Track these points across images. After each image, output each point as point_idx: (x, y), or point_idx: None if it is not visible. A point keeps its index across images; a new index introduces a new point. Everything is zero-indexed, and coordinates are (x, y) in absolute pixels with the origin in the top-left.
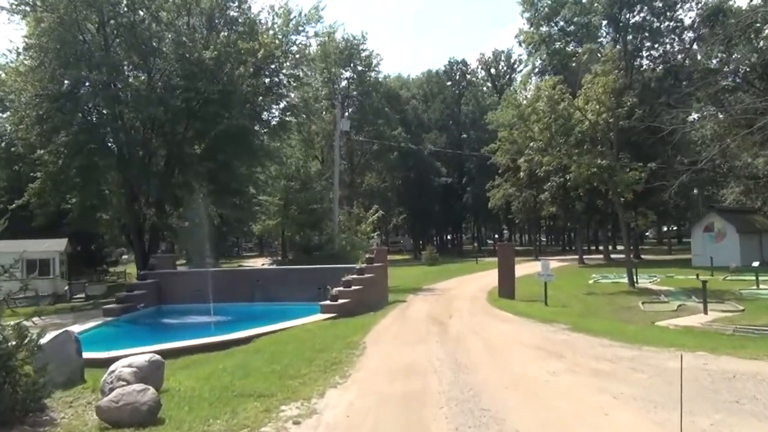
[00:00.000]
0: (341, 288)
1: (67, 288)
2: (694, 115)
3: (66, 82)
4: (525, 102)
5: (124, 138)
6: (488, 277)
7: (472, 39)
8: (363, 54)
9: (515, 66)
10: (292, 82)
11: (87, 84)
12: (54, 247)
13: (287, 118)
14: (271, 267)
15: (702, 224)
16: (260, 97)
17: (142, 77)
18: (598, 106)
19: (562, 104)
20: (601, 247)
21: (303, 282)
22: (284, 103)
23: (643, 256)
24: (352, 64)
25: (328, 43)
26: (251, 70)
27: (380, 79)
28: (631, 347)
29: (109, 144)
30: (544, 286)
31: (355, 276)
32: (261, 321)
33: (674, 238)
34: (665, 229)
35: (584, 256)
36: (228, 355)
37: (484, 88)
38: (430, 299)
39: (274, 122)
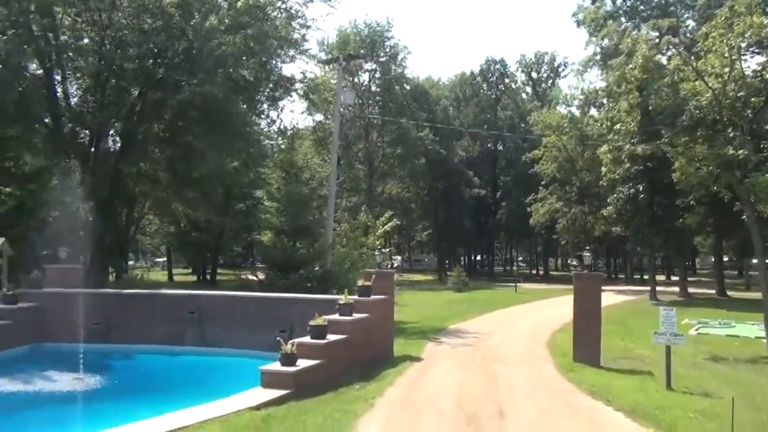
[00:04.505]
0: (306, 339)
1: None
2: None
3: None
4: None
5: (64, 107)
6: (538, 313)
7: (510, 41)
8: (387, 43)
9: (559, 69)
10: (285, 48)
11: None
12: None
13: (277, 95)
14: (214, 293)
15: None
16: (239, 60)
17: (86, 29)
18: (726, 70)
19: (673, 63)
20: (650, 276)
21: (261, 319)
22: (275, 74)
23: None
24: (374, 55)
25: (348, 30)
26: (226, 21)
27: (407, 74)
28: None
29: (40, 119)
30: (665, 353)
31: (334, 317)
32: (165, 393)
33: None
34: None
35: (640, 288)
36: None
37: (524, 94)
38: (461, 357)
39: (262, 100)
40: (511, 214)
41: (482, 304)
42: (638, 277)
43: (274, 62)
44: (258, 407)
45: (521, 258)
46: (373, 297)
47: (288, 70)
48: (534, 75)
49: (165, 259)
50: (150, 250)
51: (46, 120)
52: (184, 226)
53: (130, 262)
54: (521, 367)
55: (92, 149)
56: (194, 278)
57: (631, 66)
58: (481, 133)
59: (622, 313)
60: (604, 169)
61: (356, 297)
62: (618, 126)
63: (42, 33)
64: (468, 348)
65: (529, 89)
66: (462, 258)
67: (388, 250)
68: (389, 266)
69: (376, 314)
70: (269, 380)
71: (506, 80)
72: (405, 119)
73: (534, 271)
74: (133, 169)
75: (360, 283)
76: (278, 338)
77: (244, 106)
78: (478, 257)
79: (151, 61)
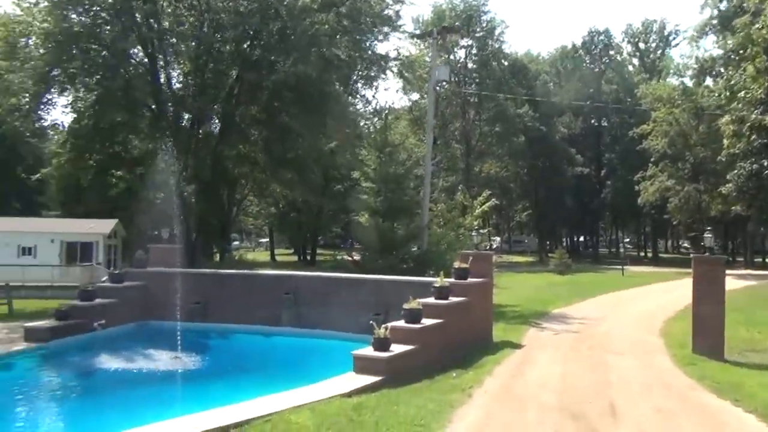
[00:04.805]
0: (400, 323)
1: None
2: None
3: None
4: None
5: (167, 92)
6: (649, 299)
7: (614, 10)
8: (484, 18)
9: (669, 38)
10: (379, 25)
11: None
12: (98, 229)
13: (372, 73)
14: (309, 274)
15: None
16: (332, 38)
17: (185, 14)
18: None
19: None
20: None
21: (356, 301)
22: (369, 52)
23: None
24: (470, 30)
25: (443, 5)
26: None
27: (504, 50)
28: None
29: (145, 104)
30: None
31: (430, 301)
32: (258, 374)
33: None
34: None
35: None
36: None
37: (630, 66)
38: (565, 344)
39: (357, 79)
40: (617, 192)
41: (587, 288)
42: (760, 260)
43: (367, 40)
44: (349, 394)
45: (627, 239)
46: (470, 280)
47: (382, 48)
48: (641, 45)
49: (268, 239)
50: (254, 230)
51: (151, 105)
52: (282, 206)
53: (236, 243)
54: (633, 359)
55: (193, 132)
56: (295, 258)
57: (757, 26)
58: (584, 108)
59: (744, 300)
60: (726, 141)
61: (453, 279)
62: (741, 94)
63: (145, 20)
64: (573, 335)
65: (636, 61)
66: (564, 239)
67: (486, 230)
68: (487, 247)
69: (473, 298)
70: (362, 365)
71: (611, 52)
72: (503, 96)
73: (642, 254)
74: (232, 151)
75: (457, 264)
76: (371, 322)
77: (339, 85)
78: (581, 238)
79: (247, 43)
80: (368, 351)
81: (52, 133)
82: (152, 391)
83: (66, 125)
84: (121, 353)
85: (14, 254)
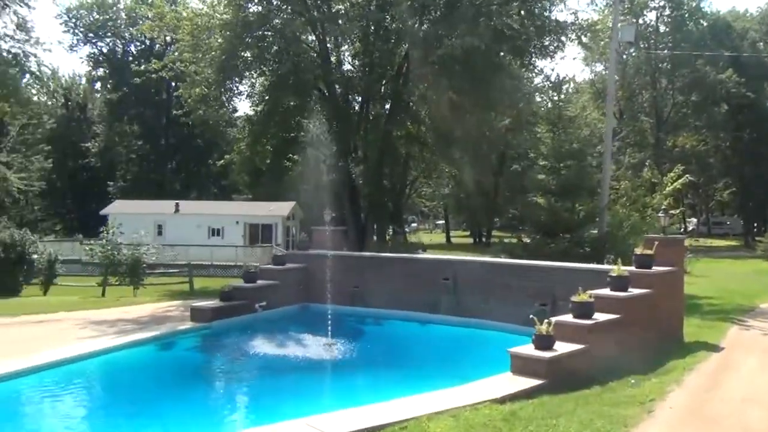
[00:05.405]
0: (567, 318)
1: None
2: None
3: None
4: None
5: (336, 74)
6: None
7: None
8: None
9: None
10: None
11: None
12: (277, 211)
13: (547, 43)
14: (470, 259)
15: None
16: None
17: None
18: None
19: None
20: None
21: (519, 289)
22: (544, 19)
23: None
24: None
25: None
26: None
27: (702, 7)
28: None
29: (315, 87)
30: None
31: (604, 292)
32: (409, 367)
33: None
34: None
35: None
36: None
37: None
38: None
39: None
40: None
41: None
42: None
43: (541, 6)
44: (502, 400)
45: None
46: (655, 269)
47: (558, 15)
48: None
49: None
50: (431, 212)
51: (320, 88)
52: (452, 187)
53: (414, 225)
54: None
55: (362, 114)
56: (471, 240)
57: None
58: None
59: None
60: None
61: (633, 268)
62: None
63: (314, 2)
64: None
65: None
66: None
67: (678, 211)
68: (681, 230)
69: (659, 290)
70: (519, 366)
71: None
72: (701, 60)
73: None
74: (401, 131)
75: (638, 251)
76: (531, 316)
77: (511, 58)
78: None
79: (414, 18)
80: (528, 349)
81: (236, 120)
82: (293, 381)
83: (246, 112)
84: (275, 337)
85: (205, 235)
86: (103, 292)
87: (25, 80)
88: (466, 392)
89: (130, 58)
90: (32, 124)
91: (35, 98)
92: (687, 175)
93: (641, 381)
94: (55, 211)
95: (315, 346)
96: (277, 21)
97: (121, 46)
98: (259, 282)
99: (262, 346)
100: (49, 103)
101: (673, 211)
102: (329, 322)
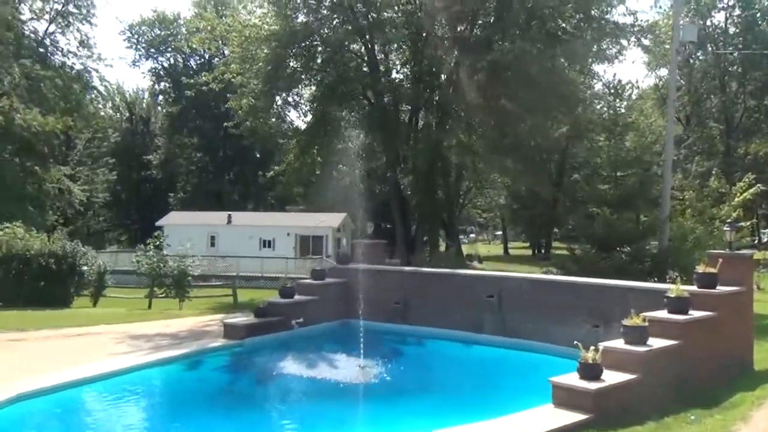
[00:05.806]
0: (617, 344)
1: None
2: None
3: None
4: None
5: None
6: None
7: None
8: None
9: None
10: None
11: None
12: (327, 222)
13: (604, 45)
14: (517, 276)
15: None
16: (555, 8)
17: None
18: None
19: None
20: None
21: (569, 308)
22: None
23: None
24: None
25: None
26: None
27: None
28: None
29: (363, 95)
30: None
31: (660, 315)
32: (445, 393)
33: None
34: None
35: None
36: None
37: None
38: None
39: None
40: None
41: None
42: None
43: (598, 8)
44: None
45: None
46: (720, 288)
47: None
48: None
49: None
50: (489, 223)
51: (368, 97)
52: (506, 198)
53: (472, 236)
54: None
55: (411, 123)
56: (529, 252)
57: None
58: None
59: None
60: None
61: (694, 287)
62: None
63: (362, 10)
64: None
65: None
66: None
67: (749, 223)
68: (755, 241)
69: (723, 312)
70: (561, 397)
71: None
72: None
73: None
74: (451, 140)
75: (701, 269)
76: (576, 342)
77: (566, 62)
78: None
79: (463, 25)
80: (571, 378)
81: (287, 130)
82: (316, 406)
83: (293, 122)
84: (308, 357)
85: (257, 247)
86: (150, 305)
87: (90, 96)
88: (501, 427)
89: (191, 72)
90: (98, 138)
91: (102, 113)
92: (759, 185)
93: (702, 417)
94: (120, 222)
95: (348, 368)
96: (324, 30)
97: (181, 61)
98: (297, 297)
99: (291, 367)
100: (115, 117)
101: (742, 224)
102: (367, 340)
